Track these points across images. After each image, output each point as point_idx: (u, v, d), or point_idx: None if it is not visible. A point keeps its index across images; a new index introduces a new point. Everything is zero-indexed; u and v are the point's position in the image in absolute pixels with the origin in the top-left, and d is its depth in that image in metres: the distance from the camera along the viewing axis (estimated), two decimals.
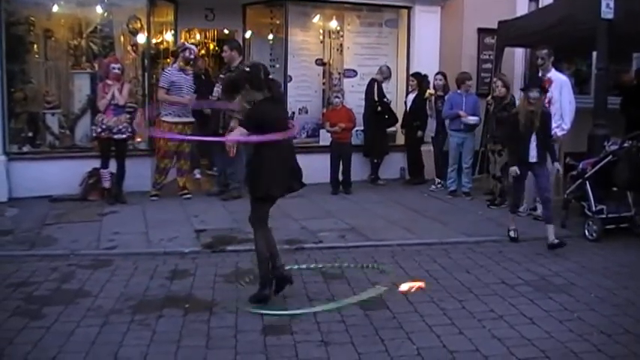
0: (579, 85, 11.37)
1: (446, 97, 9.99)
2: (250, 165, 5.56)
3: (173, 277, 6.00)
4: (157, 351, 4.40)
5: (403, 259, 6.63)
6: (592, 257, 6.84)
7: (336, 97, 10.04)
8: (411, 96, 10.52)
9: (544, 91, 7.28)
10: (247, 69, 5.50)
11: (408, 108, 10.56)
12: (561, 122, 8.15)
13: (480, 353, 4.36)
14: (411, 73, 10.77)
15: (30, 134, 9.61)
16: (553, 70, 8.39)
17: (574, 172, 7.95)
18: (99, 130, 8.73)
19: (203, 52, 12.59)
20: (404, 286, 5.61)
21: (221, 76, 9.30)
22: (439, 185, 10.27)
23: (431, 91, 10.33)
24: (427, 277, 6.05)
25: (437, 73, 10.32)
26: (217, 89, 9.05)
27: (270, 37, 11.08)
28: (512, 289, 5.72)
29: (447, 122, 9.91)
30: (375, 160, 10.74)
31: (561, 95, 8.17)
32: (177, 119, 9.06)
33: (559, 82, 8.24)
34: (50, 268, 6.26)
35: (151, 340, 4.59)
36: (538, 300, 5.44)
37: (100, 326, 4.82)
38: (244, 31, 11.02)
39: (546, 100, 8.10)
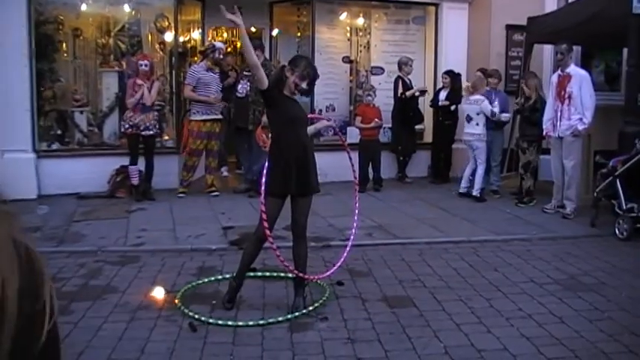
0: (610, 83, 11.21)
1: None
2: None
3: (200, 274, 6.01)
4: (184, 346, 4.42)
5: (431, 257, 6.58)
6: (622, 256, 6.72)
7: (368, 95, 10.01)
8: (443, 93, 10.41)
9: None
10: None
11: (438, 105, 10.43)
12: (582, 117, 8.03)
13: (508, 352, 4.31)
14: (443, 70, 10.64)
15: (59, 132, 9.70)
16: (572, 65, 8.30)
17: (604, 170, 7.82)
18: (127, 126, 8.81)
19: (230, 49, 12.60)
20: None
21: (245, 73, 9.32)
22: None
23: (468, 83, 10.25)
24: (455, 275, 6.00)
25: (444, 72, 10.22)
26: (243, 86, 9.06)
27: (297, 35, 11.05)
28: (541, 288, 5.64)
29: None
30: (402, 158, 10.68)
31: (581, 90, 8.06)
32: (205, 117, 9.09)
33: (578, 77, 8.15)
34: (78, 264, 6.31)
35: (177, 335, 4.61)
36: (567, 299, 5.36)
37: (127, 322, 4.85)
38: (271, 29, 11.02)
39: (566, 96, 8.02)
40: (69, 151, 9.60)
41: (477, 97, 9.32)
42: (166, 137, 10.01)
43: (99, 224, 7.78)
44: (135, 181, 9.05)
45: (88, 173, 9.23)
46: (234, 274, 5.25)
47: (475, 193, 9.33)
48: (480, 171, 9.35)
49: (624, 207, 7.42)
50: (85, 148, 9.67)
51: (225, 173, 10.76)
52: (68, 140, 9.76)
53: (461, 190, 9.49)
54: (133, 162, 9.00)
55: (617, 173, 7.57)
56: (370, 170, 10.00)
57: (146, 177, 9.08)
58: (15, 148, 9.03)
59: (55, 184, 9.17)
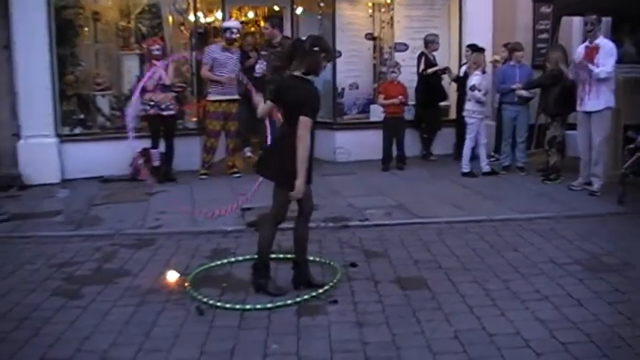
0: None
1: (498, 70, 9.69)
2: None
3: (214, 256, 5.96)
4: (189, 331, 4.38)
5: (450, 237, 6.44)
6: None
7: (392, 72, 9.81)
8: (465, 68, 10.16)
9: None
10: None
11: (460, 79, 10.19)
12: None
13: (520, 336, 4.17)
14: (466, 45, 10.39)
15: (81, 116, 9.75)
16: (601, 37, 8.00)
17: (631, 146, 7.55)
18: (148, 107, 8.81)
19: (253, 29, 12.50)
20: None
21: (262, 52, 9.23)
22: (493, 160, 9.97)
23: (496, 57, 10.01)
24: (473, 255, 5.86)
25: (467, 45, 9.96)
26: (260, 65, 8.96)
27: (319, 12, 10.87)
28: (561, 269, 5.46)
29: (497, 96, 9.59)
30: (426, 136, 10.50)
31: (603, 59, 7.79)
32: (221, 97, 9.03)
33: (608, 48, 7.86)
34: (94, 247, 6.32)
35: (184, 320, 4.57)
36: (587, 280, 5.18)
37: (135, 306, 4.83)
38: (292, 8, 10.86)
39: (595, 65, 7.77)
40: (91, 135, 9.63)
41: (477, 72, 9.16)
42: (193, 118, 9.98)
43: (118, 207, 7.80)
44: (156, 163, 9.05)
45: (111, 157, 9.25)
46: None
47: (462, 169, 9.25)
48: (467, 147, 9.23)
49: None
50: (107, 132, 9.68)
51: (249, 154, 10.69)
52: (90, 124, 9.80)
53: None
54: (155, 145, 9.00)
55: None
56: (394, 148, 9.83)
57: (167, 159, 9.09)
58: (38, 133, 9.10)
59: (78, 168, 9.23)
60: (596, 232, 6.54)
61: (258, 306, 4.71)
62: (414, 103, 10.32)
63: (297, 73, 4.92)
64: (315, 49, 4.86)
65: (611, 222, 6.97)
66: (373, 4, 10.99)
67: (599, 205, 7.57)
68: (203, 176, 9.21)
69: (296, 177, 4.73)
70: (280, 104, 5.06)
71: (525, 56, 9.86)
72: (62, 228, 7.03)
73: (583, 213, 7.26)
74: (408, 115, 10.27)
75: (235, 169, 9.35)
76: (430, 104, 10.25)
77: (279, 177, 4.91)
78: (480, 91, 9.03)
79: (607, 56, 7.78)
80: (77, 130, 9.63)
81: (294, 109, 4.78)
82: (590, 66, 7.74)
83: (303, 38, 5.25)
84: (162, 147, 9.09)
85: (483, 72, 9.29)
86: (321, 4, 10.75)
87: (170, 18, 10.09)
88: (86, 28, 9.76)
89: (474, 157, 9.36)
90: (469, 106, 9.22)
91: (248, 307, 4.71)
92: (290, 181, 4.76)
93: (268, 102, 5.18)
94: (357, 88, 10.90)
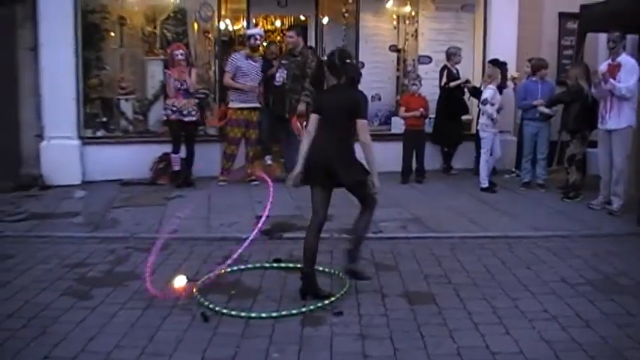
0: None
1: (519, 85, 9.66)
2: None
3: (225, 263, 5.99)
4: (192, 337, 4.39)
5: (462, 253, 6.39)
6: None
7: (414, 84, 9.80)
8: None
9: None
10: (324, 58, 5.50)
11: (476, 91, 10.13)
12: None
13: (523, 356, 4.12)
14: (488, 60, 10.34)
15: (104, 119, 9.89)
16: (624, 54, 7.94)
17: None
18: (169, 112, 8.90)
19: (279, 37, 12.59)
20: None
21: (283, 62, 9.28)
22: (513, 175, 9.90)
23: (514, 74, 9.96)
24: (484, 272, 5.81)
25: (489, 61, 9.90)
26: (281, 74, 9.03)
27: (343, 23, 10.90)
28: (572, 289, 5.39)
29: (519, 111, 9.54)
30: (447, 149, 10.45)
31: (632, 77, 7.71)
32: (242, 105, 9.11)
33: (630, 66, 7.79)
34: (108, 250, 6.39)
35: (189, 325, 4.60)
36: (598, 301, 5.09)
37: (142, 309, 4.87)
38: (317, 17, 10.91)
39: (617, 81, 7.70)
40: (113, 138, 9.77)
41: (490, 86, 9.12)
42: (216, 124, 10.05)
43: (136, 211, 7.88)
44: (176, 167, 9.13)
45: (132, 160, 9.40)
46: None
47: (481, 184, 9.15)
48: (483, 162, 9.17)
49: None
50: (129, 136, 9.82)
51: (269, 162, 10.73)
52: (113, 127, 9.93)
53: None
54: (176, 150, 9.08)
55: None
56: (414, 161, 9.81)
57: (187, 164, 9.17)
58: (61, 135, 9.25)
59: (99, 170, 9.37)
60: (612, 252, 6.45)
61: (263, 314, 4.72)
62: (434, 116, 10.27)
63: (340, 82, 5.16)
64: (347, 61, 5.16)
65: (628, 242, 6.88)
66: (398, 16, 11.01)
67: (617, 225, 7.47)
68: (222, 183, 9.27)
69: (359, 176, 5.09)
70: (325, 114, 5.12)
71: (550, 72, 9.82)
72: (79, 229, 7.12)
73: (600, 232, 7.18)
74: (429, 128, 10.24)
75: (254, 177, 9.39)
76: (452, 118, 10.20)
77: (349, 179, 5.07)
78: (492, 105, 8.98)
79: (629, 74, 7.71)
80: (99, 133, 9.78)
81: (346, 114, 5.00)
82: (612, 80, 7.67)
83: (324, 58, 5.39)
84: (182, 152, 9.15)
85: (501, 87, 9.25)
86: (346, 15, 10.79)
87: (195, 25, 10.19)
88: (112, 33, 9.90)
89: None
90: (483, 120, 9.20)
91: (253, 315, 4.72)
92: (357, 180, 5.08)
93: (313, 115, 5.22)
94: (380, 99, 10.92)
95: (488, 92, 9.05)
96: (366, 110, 5.15)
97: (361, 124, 5.00)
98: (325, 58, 5.46)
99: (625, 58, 7.88)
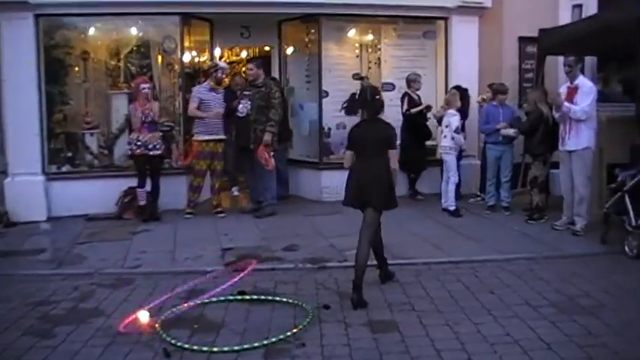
0: (629, 93, 10.86)
1: (482, 110, 9.81)
2: None
3: (189, 297, 5.94)
4: None
5: (426, 279, 6.43)
6: (630, 275, 6.49)
7: None
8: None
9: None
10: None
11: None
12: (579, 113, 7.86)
13: None
14: (450, 86, 10.50)
15: (69, 154, 9.80)
16: (581, 77, 8.14)
17: (613, 185, 7.56)
18: (134, 147, 8.87)
19: (244, 69, 12.62)
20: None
21: (245, 92, 9.35)
22: (478, 199, 10.00)
23: (484, 96, 10.10)
24: (447, 297, 5.85)
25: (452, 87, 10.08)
26: (244, 105, 9.09)
27: (307, 52, 11.00)
28: (535, 311, 5.44)
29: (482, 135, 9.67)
30: (412, 175, 10.53)
31: (582, 98, 7.92)
32: (207, 137, 9.12)
33: (586, 88, 7.99)
34: (72, 286, 6.34)
35: None
36: (560, 323, 5.15)
37: (104, 347, 4.83)
38: (280, 47, 11.00)
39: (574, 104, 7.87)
40: (78, 173, 9.71)
41: (451, 111, 9.32)
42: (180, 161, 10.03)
43: (101, 246, 7.82)
44: (142, 202, 9.09)
45: (98, 195, 9.35)
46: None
47: (449, 207, 9.28)
48: (451, 185, 9.33)
49: (634, 223, 7.14)
50: (94, 170, 9.77)
51: (236, 193, 10.75)
52: (78, 162, 9.85)
53: (443, 207, 9.37)
54: (141, 184, 9.03)
55: (625, 188, 7.32)
56: None
57: (153, 198, 9.13)
58: (25, 171, 9.19)
59: (64, 205, 9.30)
60: (575, 273, 6.53)
61: (226, 348, 4.69)
62: (398, 142, 10.33)
63: (368, 117, 6.11)
64: (377, 97, 6.08)
65: (592, 262, 6.97)
66: (360, 45, 11.09)
67: (581, 245, 7.58)
68: (188, 215, 9.23)
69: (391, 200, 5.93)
70: (359, 146, 5.90)
71: (511, 96, 9.99)
72: (43, 266, 7.05)
73: (564, 253, 7.28)
74: None
75: (220, 209, 9.39)
76: (416, 143, 10.29)
77: (383, 202, 5.85)
78: (447, 127, 9.24)
79: (585, 96, 7.87)
80: (64, 168, 9.71)
81: (379, 145, 5.83)
82: (566, 104, 7.84)
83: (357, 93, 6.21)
84: (148, 185, 9.11)
85: (461, 111, 9.39)
86: (309, 45, 10.88)
87: (159, 57, 10.20)
88: (76, 67, 9.83)
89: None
90: (445, 142, 9.34)
91: (215, 349, 4.70)
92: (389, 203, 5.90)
93: (348, 152, 6.04)
94: (345, 128, 10.92)
95: (456, 119, 9.18)
96: (395, 140, 6.03)
97: (392, 153, 5.84)
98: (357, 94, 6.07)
99: (582, 81, 8.06)
